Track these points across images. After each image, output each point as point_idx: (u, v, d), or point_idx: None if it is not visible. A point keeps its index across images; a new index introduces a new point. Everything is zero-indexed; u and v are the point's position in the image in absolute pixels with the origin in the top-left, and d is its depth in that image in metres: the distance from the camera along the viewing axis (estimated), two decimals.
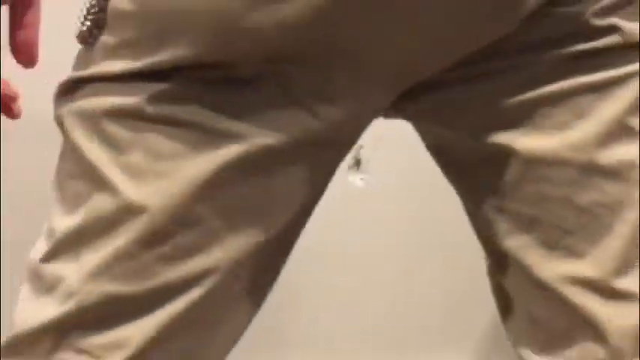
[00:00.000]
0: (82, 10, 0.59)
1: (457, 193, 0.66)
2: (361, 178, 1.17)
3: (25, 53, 0.63)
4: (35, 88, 0.88)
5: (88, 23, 0.57)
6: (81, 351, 0.56)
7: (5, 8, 0.62)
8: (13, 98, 0.68)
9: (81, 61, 0.59)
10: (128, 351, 0.55)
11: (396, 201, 1.54)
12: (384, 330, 1.70)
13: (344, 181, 0.62)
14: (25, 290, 0.59)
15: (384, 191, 1.54)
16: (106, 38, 0.56)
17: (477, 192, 0.62)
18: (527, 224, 0.59)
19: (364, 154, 0.64)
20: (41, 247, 0.58)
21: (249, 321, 0.61)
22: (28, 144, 1.50)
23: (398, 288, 1.65)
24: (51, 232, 0.57)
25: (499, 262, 0.62)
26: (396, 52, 0.55)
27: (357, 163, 0.69)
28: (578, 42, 0.57)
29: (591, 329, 0.58)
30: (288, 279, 0.68)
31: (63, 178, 0.58)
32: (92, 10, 0.57)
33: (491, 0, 0.54)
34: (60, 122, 0.59)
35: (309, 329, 1.66)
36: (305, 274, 1.53)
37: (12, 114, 0.67)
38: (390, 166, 1.00)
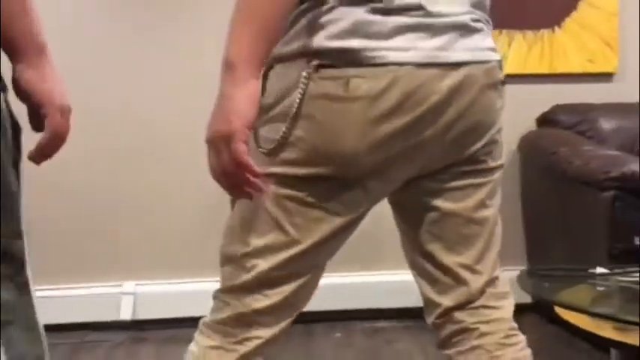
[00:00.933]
0: (263, 135, 1.09)
1: (398, 221, 1.25)
2: None
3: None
4: None
5: (272, 146, 1.08)
6: (264, 294, 1.15)
7: None
8: None
9: (262, 161, 1.07)
10: (281, 296, 1.15)
11: None
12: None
13: None
14: (228, 268, 1.16)
15: None
16: (286, 155, 1.08)
17: (412, 221, 1.21)
18: (438, 238, 1.19)
19: None
20: (238, 249, 1.14)
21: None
22: None
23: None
24: (247, 243, 1.13)
25: (419, 252, 1.22)
26: (408, 170, 1.13)
27: None
28: (470, 165, 1.16)
29: (464, 284, 1.20)
30: None
31: (258, 221, 1.12)
32: (277, 141, 1.07)
33: (453, 152, 1.13)
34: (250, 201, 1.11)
35: None
36: None
37: None
38: None
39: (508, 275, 1.29)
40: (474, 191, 1.17)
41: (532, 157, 2.73)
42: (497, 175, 1.20)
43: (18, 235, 1.00)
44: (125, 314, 2.86)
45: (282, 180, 1.09)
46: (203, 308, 2.67)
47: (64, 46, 2.79)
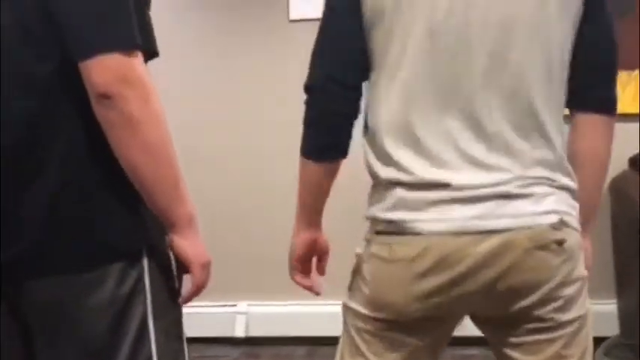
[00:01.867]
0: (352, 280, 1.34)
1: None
2: None
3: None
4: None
5: (352, 291, 1.33)
6: None
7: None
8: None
9: (351, 296, 1.34)
10: None
11: None
12: None
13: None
14: None
15: None
16: (358, 298, 1.31)
17: None
18: None
19: None
20: None
21: None
22: None
23: None
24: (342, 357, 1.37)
25: None
26: (462, 313, 1.31)
27: None
28: (534, 323, 1.25)
29: None
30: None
31: (350, 346, 1.34)
32: (352, 285, 1.33)
33: (502, 305, 1.24)
34: (345, 324, 1.36)
35: None
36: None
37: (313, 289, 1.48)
38: None
39: (597, 309, 1.31)
40: (547, 346, 1.27)
41: (621, 203, 2.80)
42: (574, 327, 1.27)
43: (181, 352, 1.26)
44: (239, 331, 3.21)
45: (359, 315, 1.32)
46: (308, 328, 2.95)
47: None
